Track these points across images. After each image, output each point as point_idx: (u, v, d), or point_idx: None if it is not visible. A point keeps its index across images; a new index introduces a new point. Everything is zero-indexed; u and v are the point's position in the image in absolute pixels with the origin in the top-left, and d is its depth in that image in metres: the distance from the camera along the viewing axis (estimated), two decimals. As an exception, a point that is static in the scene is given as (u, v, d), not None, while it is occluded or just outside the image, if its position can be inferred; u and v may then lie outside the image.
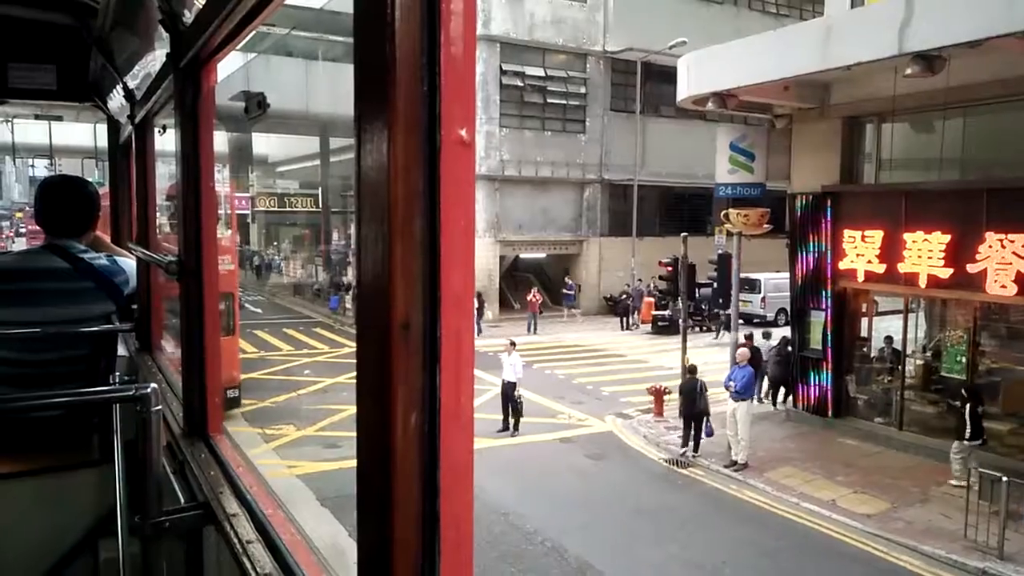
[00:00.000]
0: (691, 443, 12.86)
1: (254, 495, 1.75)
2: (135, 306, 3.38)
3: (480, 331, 23.99)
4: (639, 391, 16.40)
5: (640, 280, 27.98)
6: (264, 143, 38.40)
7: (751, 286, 25.45)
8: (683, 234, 16.34)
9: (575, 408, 16.13)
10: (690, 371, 13.32)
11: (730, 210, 15.38)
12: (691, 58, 14.69)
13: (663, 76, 26.71)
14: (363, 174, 0.91)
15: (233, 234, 15.87)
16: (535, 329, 25.33)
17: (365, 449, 0.96)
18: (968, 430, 10.98)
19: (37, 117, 26.00)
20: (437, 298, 0.90)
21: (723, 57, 13.76)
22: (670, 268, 16.86)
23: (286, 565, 1.45)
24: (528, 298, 26.12)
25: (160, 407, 1.84)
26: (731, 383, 12.48)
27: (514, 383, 13.84)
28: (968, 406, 11.04)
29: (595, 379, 18.74)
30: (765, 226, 15.35)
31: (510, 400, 13.88)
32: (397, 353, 0.89)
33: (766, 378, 15.73)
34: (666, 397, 15.17)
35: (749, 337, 16.52)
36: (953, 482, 11.10)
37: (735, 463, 12.18)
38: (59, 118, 27.41)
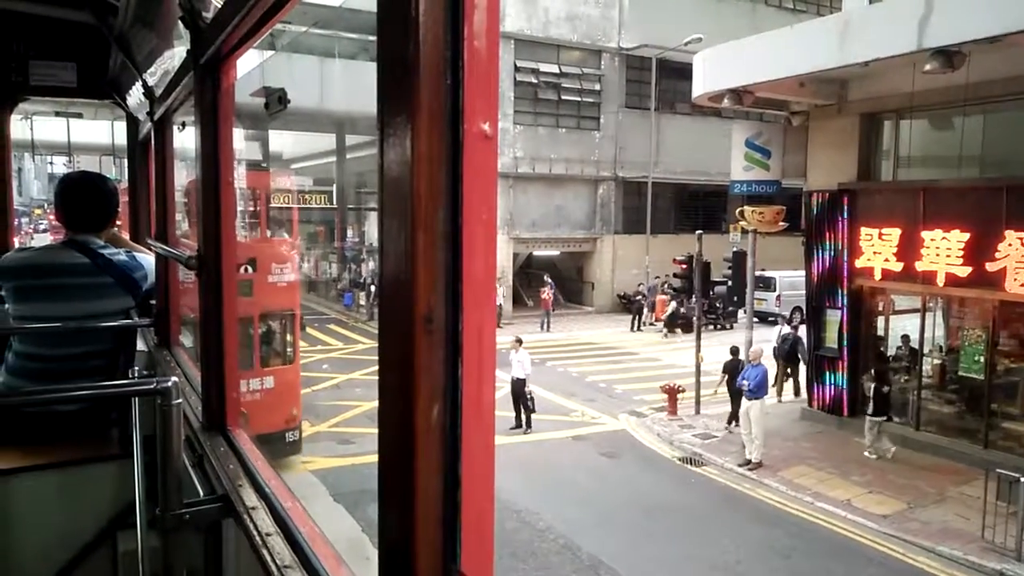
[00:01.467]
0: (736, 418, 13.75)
1: (273, 488, 1.77)
2: (153, 301, 3.42)
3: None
4: (652, 389, 16.37)
5: (657, 277, 27.84)
6: (278, 140, 38.48)
7: (766, 284, 25.36)
8: (698, 232, 16.26)
9: (588, 406, 16.11)
10: (733, 352, 13.98)
11: (745, 207, 15.32)
12: (707, 54, 14.63)
13: (678, 73, 26.66)
14: (386, 167, 0.92)
15: (294, 237, 13.22)
16: (548, 326, 25.32)
17: (387, 441, 0.97)
18: (871, 407, 12.46)
19: (57, 114, 26.23)
20: (460, 291, 0.91)
21: (739, 53, 13.69)
22: (685, 266, 16.81)
23: (305, 558, 1.46)
24: (541, 296, 26.10)
25: (180, 400, 1.86)
26: (745, 382, 12.44)
27: (523, 380, 13.83)
28: (873, 385, 12.43)
29: (608, 377, 18.72)
30: (781, 224, 15.29)
31: (520, 397, 13.89)
32: (420, 346, 0.90)
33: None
34: (680, 396, 15.14)
35: (796, 327, 16.56)
36: (866, 453, 12.50)
37: (749, 462, 12.14)
38: (79, 115, 27.65)
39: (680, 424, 14.55)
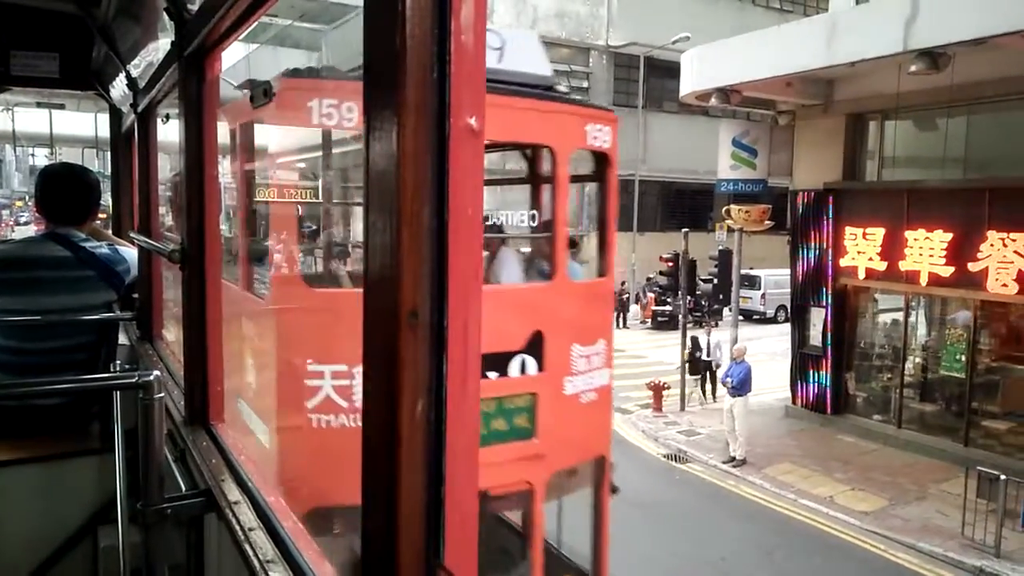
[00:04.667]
0: None
1: (256, 483, 1.77)
2: (136, 295, 3.39)
3: None
4: (638, 386, 16.39)
5: (650, 277, 27.85)
6: (264, 134, 38.17)
7: (751, 282, 25.48)
8: (684, 230, 16.28)
9: (574, 403, 16.03)
10: None
11: (731, 206, 15.37)
12: (695, 53, 14.66)
13: (665, 71, 26.75)
14: (372, 161, 0.92)
15: (609, 270, 5.61)
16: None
17: (371, 437, 0.97)
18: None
19: (39, 105, 25.94)
20: (445, 286, 0.90)
21: (727, 52, 13.73)
22: (671, 264, 16.84)
23: (288, 552, 1.46)
24: None
25: (162, 394, 1.85)
26: (728, 379, 12.51)
27: None
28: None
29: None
30: (767, 223, 15.36)
31: None
32: (405, 341, 0.89)
33: None
34: (665, 393, 15.19)
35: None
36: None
37: (733, 459, 12.21)
38: (61, 106, 27.35)
39: (665, 421, 14.61)
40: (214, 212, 2.16)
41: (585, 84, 29.07)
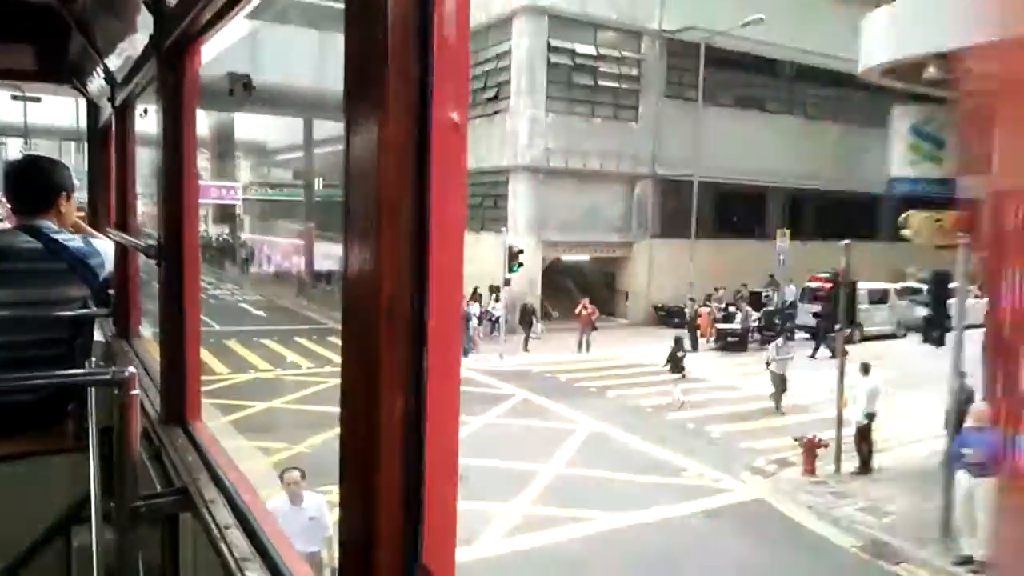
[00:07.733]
0: None
1: (232, 480, 1.91)
2: (112, 291, 3.59)
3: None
4: (756, 432, 15.24)
5: (717, 289, 27.71)
6: (261, 131, 39.46)
7: (881, 298, 24.78)
8: (844, 242, 13.71)
9: (695, 460, 13.91)
10: None
11: (912, 213, 12.59)
12: (894, 10, 12.66)
13: (718, 61, 27.08)
14: (352, 155, 1.02)
15: None
16: (588, 347, 24.00)
17: (349, 434, 1.08)
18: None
19: (14, 98, 26.69)
20: (426, 284, 1.00)
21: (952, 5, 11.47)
22: (830, 285, 14.60)
23: (264, 550, 1.59)
24: (577, 311, 24.66)
25: (138, 391, 2.02)
26: (966, 450, 10.21)
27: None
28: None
29: (692, 414, 16.89)
30: (959, 236, 12.01)
31: None
32: (383, 338, 0.99)
33: None
34: (820, 451, 13.19)
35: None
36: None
37: (970, 559, 10.03)
38: (37, 99, 28.11)
39: (830, 490, 12.62)
40: (193, 208, 2.34)
41: (635, 72, 28.91)
